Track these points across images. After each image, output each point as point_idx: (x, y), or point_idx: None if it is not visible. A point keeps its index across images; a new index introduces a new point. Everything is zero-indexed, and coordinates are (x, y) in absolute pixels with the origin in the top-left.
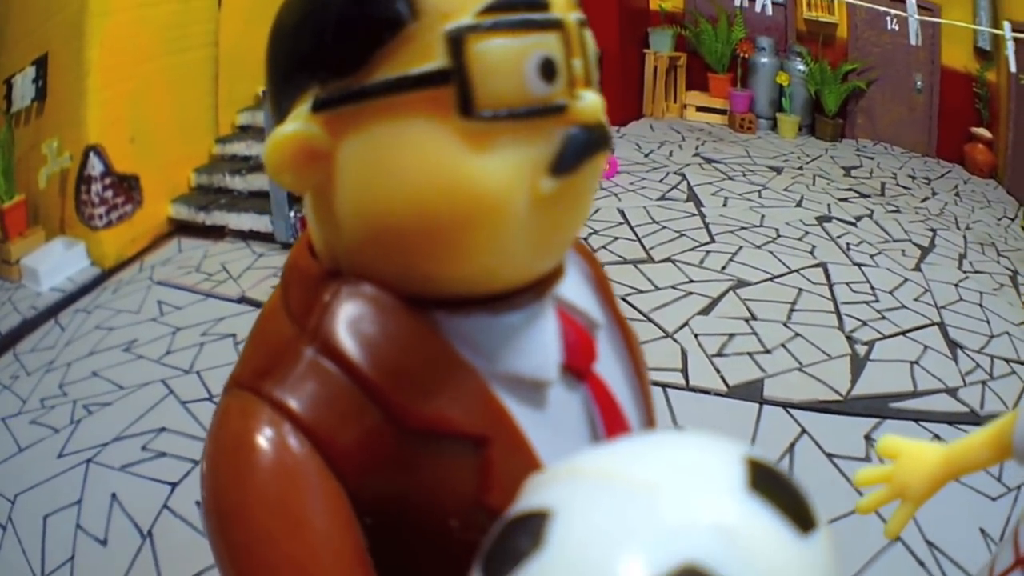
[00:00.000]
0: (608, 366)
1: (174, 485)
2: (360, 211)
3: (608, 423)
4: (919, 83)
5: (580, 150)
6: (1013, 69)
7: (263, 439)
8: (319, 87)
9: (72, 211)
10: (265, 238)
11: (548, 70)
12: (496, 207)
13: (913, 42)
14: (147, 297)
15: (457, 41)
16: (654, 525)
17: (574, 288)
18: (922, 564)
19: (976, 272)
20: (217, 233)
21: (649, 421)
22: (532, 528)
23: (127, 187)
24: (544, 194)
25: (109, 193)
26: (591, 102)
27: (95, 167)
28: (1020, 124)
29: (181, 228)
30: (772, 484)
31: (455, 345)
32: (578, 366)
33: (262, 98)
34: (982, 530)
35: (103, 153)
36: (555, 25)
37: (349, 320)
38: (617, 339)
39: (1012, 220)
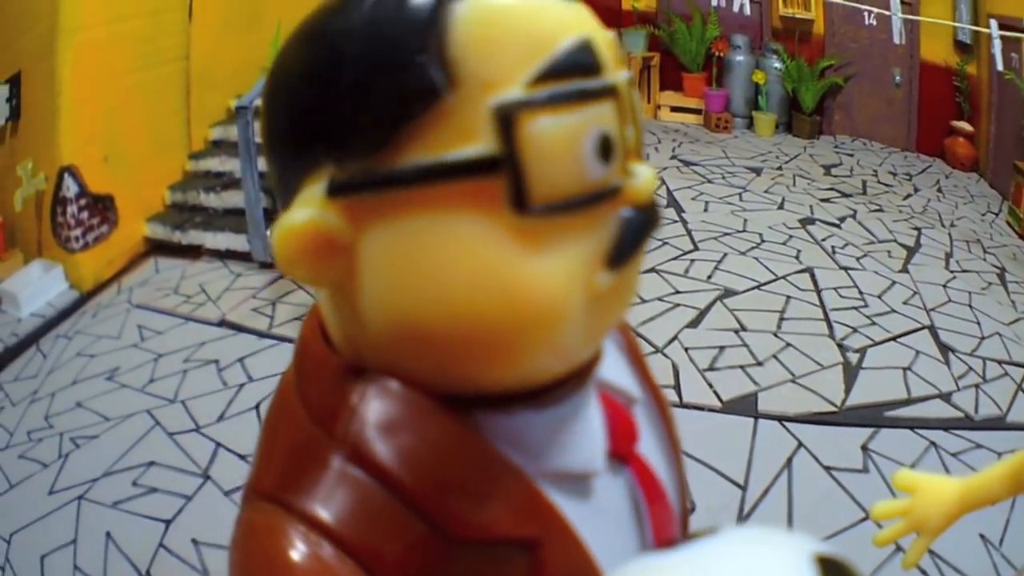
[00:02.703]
0: (647, 442)
1: (168, 522)
2: (390, 311)
3: (651, 503)
4: (898, 78)
5: (636, 236)
6: (1000, 67)
7: (301, 559)
8: (335, 166)
9: (49, 233)
10: (242, 257)
11: (606, 148)
12: (553, 311)
13: (896, 41)
14: (127, 321)
15: (507, 120)
16: None
17: (612, 365)
18: (924, 572)
19: (963, 271)
20: (194, 252)
21: (682, 490)
22: None
23: (102, 208)
24: (602, 289)
25: (85, 214)
26: (645, 179)
27: (70, 188)
28: (1002, 117)
29: (157, 247)
30: None
31: (499, 446)
32: (621, 450)
33: (235, 112)
34: (982, 536)
35: (77, 174)
36: (611, 92)
37: (381, 425)
38: (653, 410)
39: (996, 215)
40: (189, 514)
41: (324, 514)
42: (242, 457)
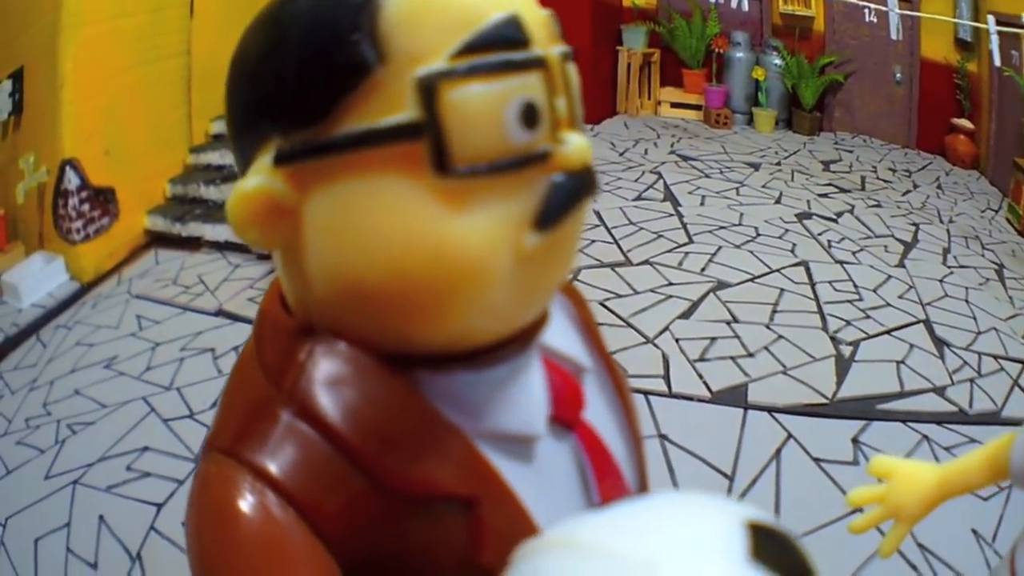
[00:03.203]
0: (597, 411)
1: (160, 506)
2: (331, 271)
3: (598, 471)
4: (898, 75)
5: (566, 200)
6: (997, 63)
7: (247, 507)
8: (281, 137)
9: (50, 226)
10: (241, 248)
11: (530, 116)
12: (478, 269)
13: (894, 36)
14: (126, 311)
15: (429, 90)
16: None
17: (559, 333)
18: (914, 568)
19: (961, 267)
20: (193, 244)
21: (639, 462)
22: None
23: (103, 200)
24: (528, 250)
25: (86, 207)
26: (577, 146)
27: (71, 181)
28: (1003, 114)
29: (157, 239)
30: (774, 549)
31: (438, 405)
32: (566, 416)
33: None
34: (974, 531)
35: (79, 167)
36: (537, 64)
37: (326, 382)
38: (605, 381)
39: (996, 212)
40: (181, 498)
41: (271, 466)
42: None
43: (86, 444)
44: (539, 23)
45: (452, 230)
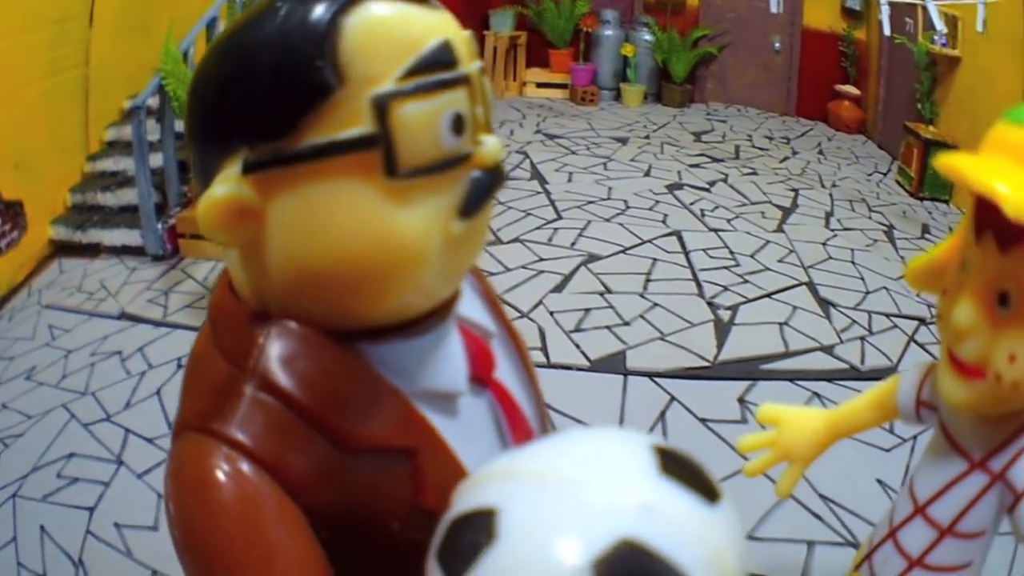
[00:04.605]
0: (504, 370)
1: (91, 510)
2: (292, 262)
3: (511, 421)
4: (777, 45)
5: (483, 192)
6: (887, 32)
7: (224, 476)
8: (248, 149)
9: None
10: (136, 252)
11: (458, 125)
12: (417, 254)
13: (774, 10)
14: (39, 322)
15: (382, 108)
16: (588, 512)
17: (468, 303)
18: (819, 517)
19: (846, 230)
20: (93, 251)
21: (542, 414)
22: (482, 524)
23: (13, 214)
24: (455, 235)
25: None
26: (492, 147)
27: None
28: (892, 80)
29: (61, 248)
30: (679, 466)
31: (379, 370)
32: (481, 375)
33: (128, 112)
34: (880, 481)
35: None
36: (464, 81)
37: (283, 357)
38: (508, 344)
39: (884, 175)
40: (108, 500)
41: (241, 436)
42: (149, 440)
43: (19, 456)
44: (464, 44)
45: (397, 222)
